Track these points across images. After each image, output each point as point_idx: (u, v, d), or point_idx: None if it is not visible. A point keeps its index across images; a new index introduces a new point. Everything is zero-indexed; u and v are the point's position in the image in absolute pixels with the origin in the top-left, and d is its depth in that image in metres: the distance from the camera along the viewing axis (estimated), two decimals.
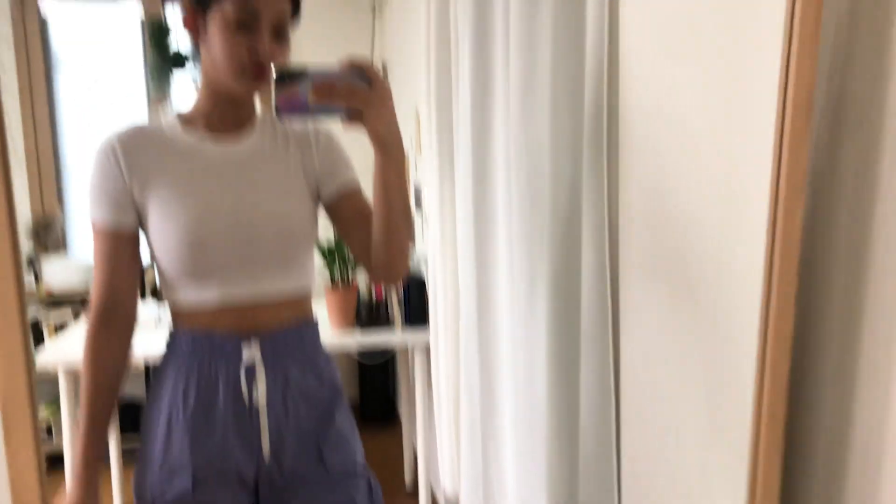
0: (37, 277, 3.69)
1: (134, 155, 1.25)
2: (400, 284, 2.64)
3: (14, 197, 0.58)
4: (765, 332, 0.80)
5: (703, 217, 0.98)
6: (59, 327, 3.65)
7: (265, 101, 3.92)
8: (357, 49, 3.98)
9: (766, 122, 0.79)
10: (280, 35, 1.23)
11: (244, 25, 1.18)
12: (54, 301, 3.79)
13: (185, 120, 1.32)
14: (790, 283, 0.77)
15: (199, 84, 1.29)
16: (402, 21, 3.33)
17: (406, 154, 1.12)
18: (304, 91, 0.98)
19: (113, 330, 1.29)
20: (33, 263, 3.71)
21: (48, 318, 3.64)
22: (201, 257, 1.23)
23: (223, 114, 1.30)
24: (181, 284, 1.27)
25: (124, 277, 1.29)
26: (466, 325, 2.04)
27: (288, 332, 1.32)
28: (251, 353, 1.27)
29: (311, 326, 1.38)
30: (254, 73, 1.20)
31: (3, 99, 3.77)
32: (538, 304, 1.53)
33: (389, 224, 1.19)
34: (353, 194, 1.35)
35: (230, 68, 1.20)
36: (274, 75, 0.98)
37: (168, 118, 1.32)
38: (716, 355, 0.97)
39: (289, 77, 0.98)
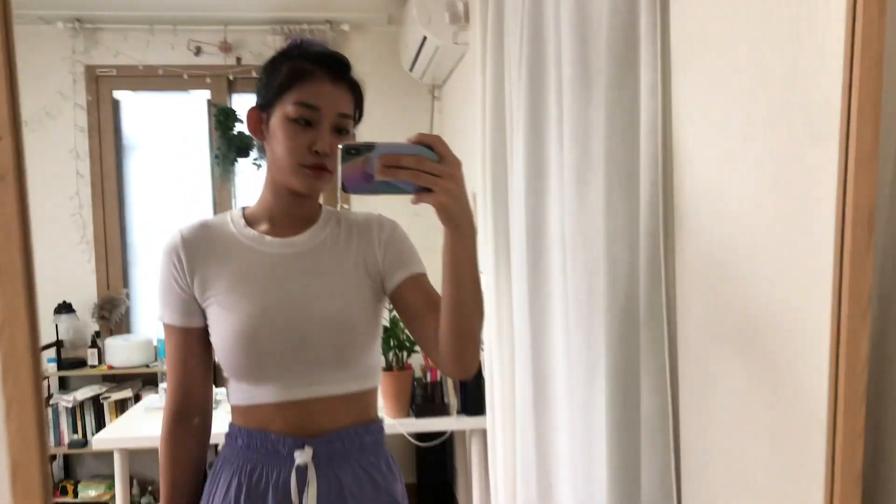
0: (100, 356, 3.77)
1: (196, 253, 1.26)
2: None
3: (34, 264, 0.60)
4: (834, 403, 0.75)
5: (765, 304, 0.94)
6: (120, 405, 3.71)
7: (330, 199, 4.02)
8: (417, 129, 4.06)
9: (827, 199, 0.76)
10: (342, 132, 1.23)
11: (305, 123, 1.20)
12: (116, 379, 3.86)
13: (250, 216, 1.32)
14: (860, 377, 0.73)
15: (265, 182, 1.31)
16: (459, 105, 3.40)
17: (476, 231, 1.06)
18: (371, 165, 0.94)
19: (188, 427, 1.31)
20: (97, 342, 3.80)
21: (110, 396, 3.70)
22: (254, 357, 1.21)
23: (286, 211, 1.30)
24: (236, 382, 1.26)
25: (196, 375, 1.30)
26: (523, 412, 1.99)
27: (346, 434, 1.26)
28: (304, 456, 1.22)
29: (372, 428, 1.31)
30: (314, 170, 1.20)
31: (78, 183, 3.95)
32: (597, 393, 1.49)
33: (460, 306, 1.10)
34: (419, 282, 1.29)
35: (290, 165, 1.20)
36: (339, 150, 0.95)
37: (234, 212, 1.34)
38: (785, 444, 0.91)
39: (355, 151, 0.95)
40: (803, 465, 0.88)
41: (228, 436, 1.30)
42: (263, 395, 1.24)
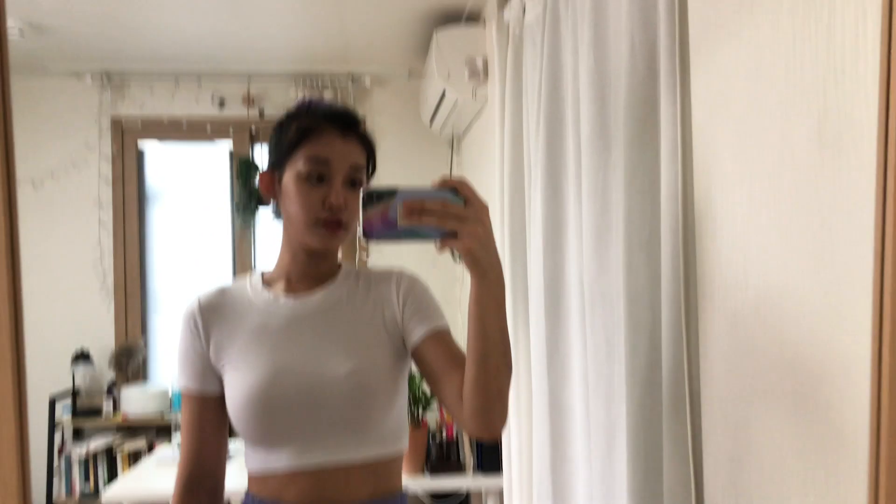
0: (115, 405, 3.75)
1: (213, 318, 1.25)
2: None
3: (24, 355, 0.56)
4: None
5: (797, 366, 0.91)
6: (133, 456, 3.67)
7: (348, 256, 4.04)
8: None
9: (863, 255, 0.73)
10: (355, 185, 1.21)
11: (318, 179, 1.19)
12: (130, 428, 3.84)
13: (268, 278, 1.31)
14: None
15: (281, 243, 1.30)
16: (478, 157, 3.41)
17: (504, 280, 1.01)
18: (394, 211, 0.89)
19: (199, 496, 1.27)
20: (112, 391, 3.78)
21: (123, 447, 3.67)
22: (265, 419, 1.17)
23: (303, 271, 1.27)
24: (250, 447, 1.22)
25: (210, 443, 1.26)
26: (540, 473, 1.93)
27: None
28: None
29: (391, 501, 1.23)
30: (327, 225, 1.18)
31: (100, 232, 3.99)
32: (617, 457, 1.44)
33: (486, 360, 1.02)
34: (441, 338, 1.21)
35: (305, 222, 1.18)
36: (361, 196, 0.91)
37: (254, 276, 1.32)
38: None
39: (377, 197, 0.90)
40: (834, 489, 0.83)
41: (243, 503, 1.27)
42: (277, 461, 1.19)
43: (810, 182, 0.87)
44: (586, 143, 1.55)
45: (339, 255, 1.35)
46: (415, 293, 1.27)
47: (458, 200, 0.91)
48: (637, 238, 1.36)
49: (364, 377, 1.19)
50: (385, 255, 3.99)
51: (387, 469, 1.23)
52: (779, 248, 0.95)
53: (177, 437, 2.80)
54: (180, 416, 1.29)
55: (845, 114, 0.80)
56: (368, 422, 1.19)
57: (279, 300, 1.26)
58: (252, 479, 1.25)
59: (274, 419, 1.17)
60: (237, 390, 1.19)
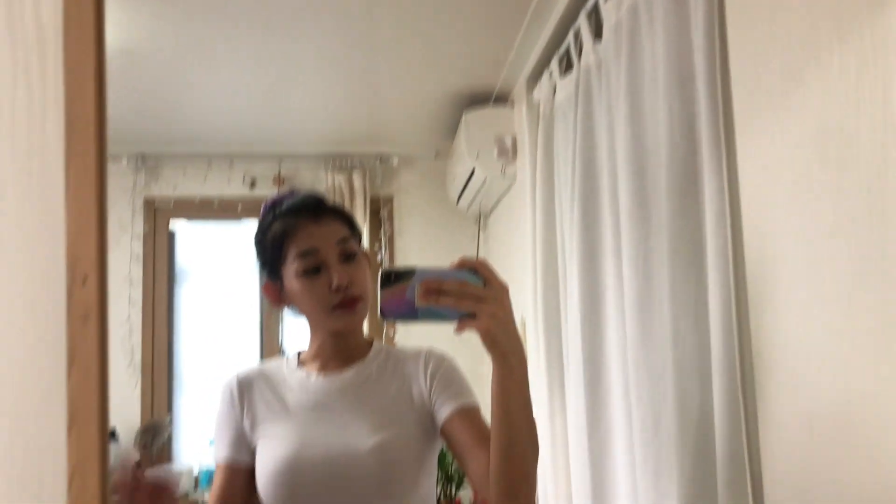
0: None
1: (249, 395, 1.28)
2: None
3: (108, 409, 0.57)
4: None
5: (870, 454, 0.88)
6: None
7: (376, 332, 4.04)
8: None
9: None
10: (350, 258, 1.25)
11: (315, 270, 1.22)
12: None
13: (303, 359, 1.34)
14: None
15: (309, 330, 1.34)
16: (506, 234, 3.44)
17: (527, 361, 0.99)
18: (412, 291, 0.89)
19: None
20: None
21: None
22: (293, 492, 1.18)
23: (333, 350, 1.30)
24: None
25: None
26: None
27: None
28: None
29: None
30: (341, 306, 1.21)
31: (129, 310, 4.02)
32: None
33: (511, 446, 1.01)
34: (468, 415, 1.21)
35: (320, 312, 1.23)
36: (379, 276, 0.91)
37: (290, 356, 1.36)
38: None
39: (395, 277, 0.90)
40: None
41: None
42: None
43: (870, 248, 0.87)
44: (625, 215, 1.56)
45: (366, 329, 1.36)
46: (442, 371, 1.28)
47: (478, 281, 0.91)
48: (683, 307, 1.35)
49: (389, 452, 1.19)
50: (412, 330, 3.99)
51: None
52: (841, 320, 0.94)
53: None
54: (209, 493, 1.28)
55: None
56: (395, 493, 1.19)
57: (311, 378, 1.30)
58: None
59: (299, 491, 1.18)
60: (266, 461, 1.21)
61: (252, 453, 1.25)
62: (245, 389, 1.29)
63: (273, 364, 1.36)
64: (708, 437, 1.29)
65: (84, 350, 0.60)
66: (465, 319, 0.90)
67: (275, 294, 1.30)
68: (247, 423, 1.26)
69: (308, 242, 1.23)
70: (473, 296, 0.90)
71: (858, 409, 0.90)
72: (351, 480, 1.18)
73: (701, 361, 1.32)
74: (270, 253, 1.26)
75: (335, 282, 1.20)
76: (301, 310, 1.28)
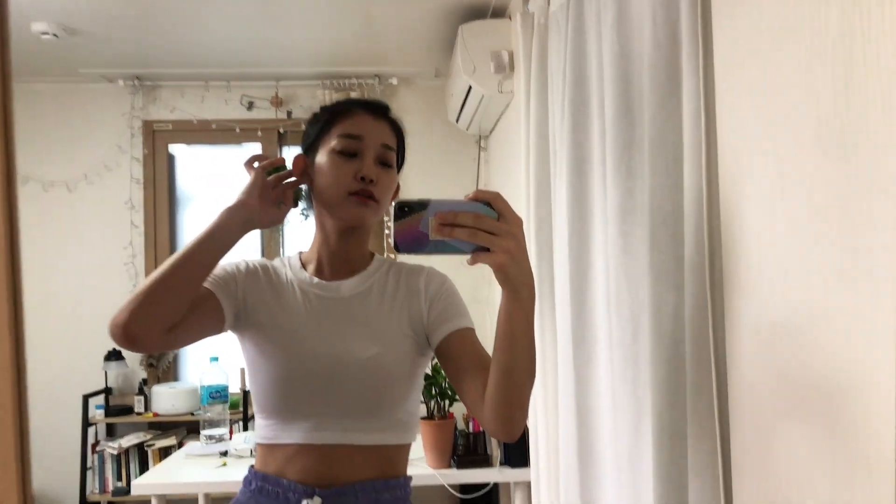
0: (146, 403, 3.80)
1: (254, 281, 1.28)
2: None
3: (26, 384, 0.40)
4: None
5: (823, 349, 0.88)
6: (164, 452, 3.71)
7: (377, 247, 4.04)
8: (463, 180, 4.09)
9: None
10: (385, 165, 1.25)
11: (350, 154, 1.22)
12: (161, 426, 3.88)
13: (305, 259, 1.34)
14: None
15: (315, 229, 1.33)
16: (506, 153, 3.41)
17: (535, 296, 0.97)
18: (425, 223, 0.87)
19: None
20: (143, 389, 3.83)
21: (154, 444, 3.71)
22: (285, 396, 1.20)
23: (335, 253, 1.30)
24: (265, 419, 1.24)
25: (186, 317, 1.16)
26: (567, 463, 1.91)
27: (361, 487, 1.20)
28: None
29: (393, 483, 1.24)
30: (360, 198, 1.21)
31: (132, 234, 4.05)
32: (643, 442, 1.42)
33: (511, 375, 1.02)
34: (466, 337, 1.23)
35: (338, 195, 1.21)
36: (392, 207, 0.89)
37: (292, 255, 1.36)
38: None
39: (408, 209, 0.88)
40: None
41: (245, 479, 1.28)
42: (289, 434, 1.21)
43: (839, 150, 0.85)
44: (611, 124, 1.53)
45: (368, 244, 1.36)
46: (443, 291, 1.29)
47: (492, 214, 0.89)
48: (661, 215, 1.34)
49: (384, 364, 1.22)
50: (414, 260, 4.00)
51: (394, 455, 1.26)
52: (805, 221, 0.92)
53: (205, 433, 2.82)
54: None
55: (873, 71, 0.77)
56: (382, 408, 1.22)
57: (313, 281, 1.29)
58: (261, 452, 1.26)
59: (293, 394, 1.20)
60: (261, 364, 1.22)
61: (234, 316, 1.24)
62: (251, 273, 1.29)
63: (276, 261, 1.35)
64: (680, 345, 1.29)
65: None
66: (478, 253, 0.88)
67: (302, 166, 1.28)
68: (242, 301, 1.25)
69: (356, 128, 1.24)
70: (487, 229, 0.88)
71: (817, 317, 0.90)
72: (344, 388, 1.20)
73: (676, 271, 1.31)
74: (319, 126, 1.27)
75: (363, 171, 1.20)
76: (318, 191, 1.25)
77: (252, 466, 1.28)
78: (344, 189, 1.21)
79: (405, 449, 1.29)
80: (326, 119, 1.27)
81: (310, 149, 1.28)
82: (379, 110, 1.29)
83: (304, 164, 1.28)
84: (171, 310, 1.12)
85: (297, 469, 1.20)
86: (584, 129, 1.81)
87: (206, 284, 1.22)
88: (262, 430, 1.25)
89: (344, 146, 1.22)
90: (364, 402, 1.21)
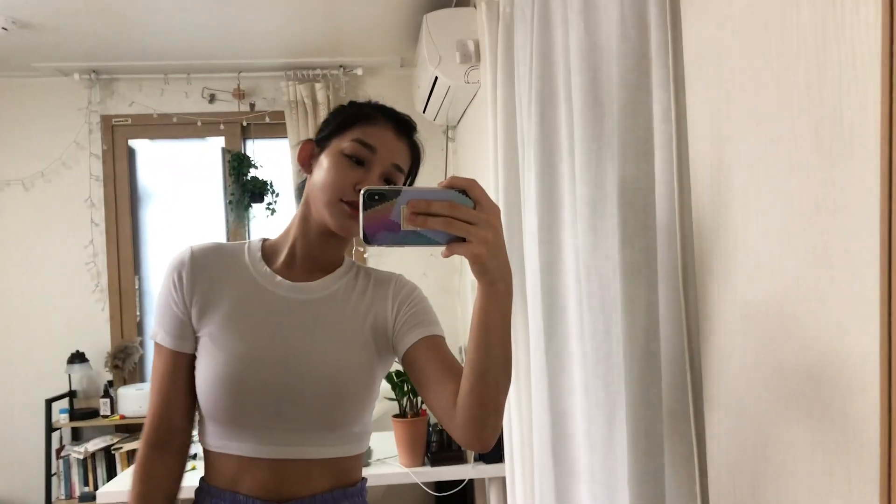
0: (112, 405, 3.71)
1: (201, 276, 1.20)
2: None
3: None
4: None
5: (801, 337, 0.86)
6: (132, 455, 3.63)
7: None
8: (432, 171, 4.05)
9: (869, 214, 0.68)
10: (389, 185, 1.19)
11: (357, 162, 1.17)
12: (128, 428, 3.80)
13: (269, 249, 1.27)
14: None
15: (295, 218, 1.26)
16: (473, 144, 3.37)
17: (512, 290, 0.94)
18: (397, 213, 0.83)
19: (165, 454, 1.21)
20: (109, 392, 3.74)
21: (121, 447, 3.63)
22: (237, 404, 1.13)
23: (307, 251, 1.24)
24: (213, 428, 1.18)
25: (181, 400, 1.20)
26: (541, 458, 1.89)
27: (322, 500, 1.17)
28: None
29: (351, 491, 1.21)
30: (350, 207, 1.15)
31: (93, 232, 3.94)
32: (617, 438, 1.40)
33: (486, 375, 0.97)
34: (435, 345, 1.18)
35: (330, 198, 1.15)
36: (361, 195, 0.84)
37: (253, 243, 1.28)
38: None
39: (378, 197, 0.83)
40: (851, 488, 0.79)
41: (197, 492, 1.22)
42: (237, 444, 1.15)
43: (810, 135, 0.82)
44: (578, 115, 1.50)
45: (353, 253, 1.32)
46: (412, 298, 1.25)
47: (467, 202, 0.84)
48: (632, 209, 1.31)
49: (342, 378, 1.17)
50: (384, 252, 3.95)
51: (348, 465, 1.22)
52: (779, 213, 0.90)
53: None
54: (151, 374, 1.23)
55: (846, 56, 0.75)
56: (338, 424, 1.18)
57: (275, 279, 1.22)
58: (209, 459, 1.20)
59: (244, 404, 1.13)
60: (211, 364, 1.15)
61: (195, 343, 1.19)
62: (198, 270, 1.21)
63: (233, 247, 1.27)
64: (653, 340, 1.27)
65: None
66: (454, 243, 0.84)
67: (307, 155, 1.24)
68: (194, 314, 1.19)
69: (373, 138, 1.18)
70: (464, 218, 0.83)
71: (792, 307, 0.88)
72: (299, 403, 1.14)
73: (647, 264, 1.29)
74: (338, 122, 1.21)
75: (364, 184, 1.14)
76: (312, 186, 1.20)
77: (202, 479, 1.22)
78: (337, 194, 1.15)
79: (360, 457, 1.26)
80: (348, 116, 1.21)
81: (322, 139, 1.23)
82: (403, 128, 1.23)
83: (311, 152, 1.24)
84: None
85: (251, 484, 1.15)
86: (552, 120, 1.78)
87: (163, 344, 1.20)
88: (209, 436, 1.18)
89: (354, 151, 1.16)
90: (320, 419, 1.15)
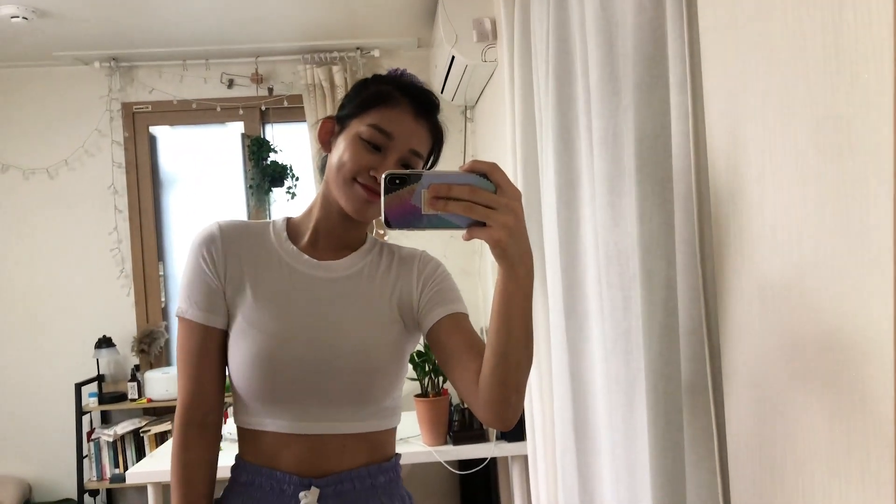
0: (140, 389, 3.77)
1: (232, 249, 1.21)
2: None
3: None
4: None
5: (819, 312, 0.85)
6: (160, 437, 3.70)
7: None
8: (451, 153, 4.04)
9: (885, 192, 0.67)
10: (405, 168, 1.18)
11: (374, 147, 1.16)
12: (156, 411, 3.87)
13: (293, 228, 1.28)
14: None
15: (317, 196, 1.26)
16: (492, 124, 3.35)
17: (534, 274, 0.94)
18: (418, 197, 0.83)
19: (204, 432, 1.20)
20: (136, 376, 3.80)
21: (150, 430, 3.70)
22: (271, 379, 1.14)
23: (330, 230, 1.25)
24: (248, 406, 1.19)
25: (213, 377, 1.21)
26: (563, 436, 1.90)
27: (357, 475, 1.18)
28: (310, 497, 1.14)
29: (386, 466, 1.23)
30: (365, 188, 1.15)
31: (116, 219, 3.99)
32: (637, 414, 1.40)
33: (506, 356, 0.98)
34: (459, 322, 1.18)
35: (345, 178, 1.16)
36: (383, 179, 0.84)
37: (277, 222, 1.28)
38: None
39: (400, 181, 0.83)
40: (868, 474, 0.78)
41: (234, 469, 1.24)
42: (272, 422, 1.17)
43: (829, 107, 0.81)
44: (595, 91, 1.49)
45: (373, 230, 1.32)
46: (437, 276, 1.25)
47: (489, 186, 0.84)
48: (650, 184, 1.30)
49: (374, 353, 1.18)
50: (403, 234, 3.96)
51: (382, 439, 1.23)
52: (796, 186, 0.89)
53: None
54: (178, 351, 1.22)
55: (864, 27, 0.73)
56: (371, 398, 1.19)
57: (302, 257, 1.23)
58: (245, 437, 1.22)
59: (279, 381, 1.15)
60: (245, 344, 1.16)
61: (226, 315, 1.20)
62: (228, 243, 1.21)
63: (258, 225, 1.27)
64: (672, 315, 1.26)
65: None
66: (474, 228, 0.84)
67: (327, 133, 1.24)
68: (227, 287, 1.20)
69: (391, 124, 1.16)
70: (484, 202, 0.82)
71: (809, 274, 0.87)
72: (333, 377, 1.16)
73: (666, 239, 1.28)
74: (358, 102, 1.20)
75: (379, 170, 1.13)
76: (330, 165, 1.20)
77: (238, 455, 1.24)
78: (352, 175, 1.15)
79: (393, 431, 1.27)
80: (369, 96, 1.19)
81: (343, 118, 1.21)
82: (423, 110, 1.20)
83: (332, 130, 1.23)
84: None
85: (288, 460, 1.17)
86: (569, 96, 1.77)
87: (195, 318, 1.19)
88: (244, 414, 1.20)
89: (371, 137, 1.15)
90: (353, 392, 1.17)
